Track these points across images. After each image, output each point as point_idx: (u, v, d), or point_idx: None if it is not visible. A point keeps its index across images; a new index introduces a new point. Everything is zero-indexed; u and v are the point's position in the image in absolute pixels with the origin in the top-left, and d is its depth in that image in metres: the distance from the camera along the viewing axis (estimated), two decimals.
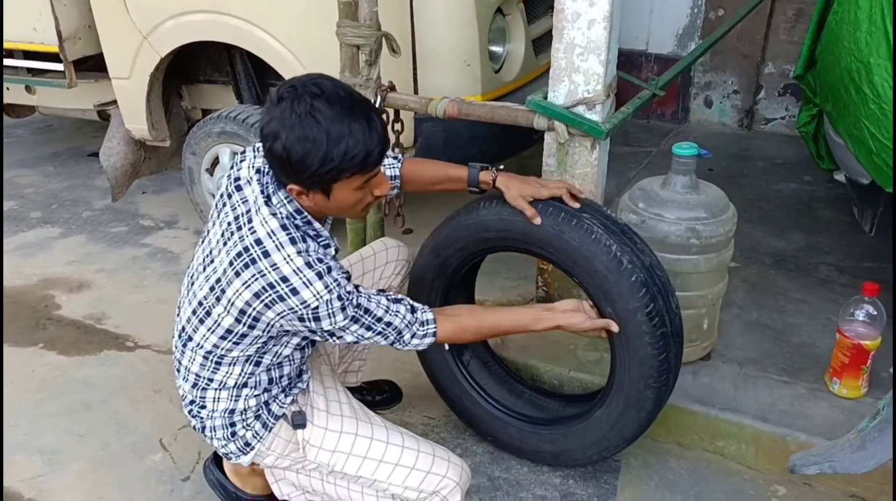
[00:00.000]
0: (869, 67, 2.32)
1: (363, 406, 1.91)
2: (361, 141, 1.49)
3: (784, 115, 4.37)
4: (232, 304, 1.58)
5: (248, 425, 1.79)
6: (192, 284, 1.71)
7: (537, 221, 1.85)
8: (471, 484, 2.08)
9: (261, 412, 1.79)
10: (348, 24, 2.46)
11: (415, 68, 2.70)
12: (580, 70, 2.22)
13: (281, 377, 1.79)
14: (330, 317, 1.56)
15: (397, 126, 2.57)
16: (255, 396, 1.76)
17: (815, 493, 2.07)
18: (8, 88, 3.90)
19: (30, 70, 3.62)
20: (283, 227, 1.56)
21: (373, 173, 1.58)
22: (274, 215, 1.57)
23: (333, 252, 1.67)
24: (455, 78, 2.71)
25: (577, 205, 1.86)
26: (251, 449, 1.81)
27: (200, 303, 1.66)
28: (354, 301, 1.61)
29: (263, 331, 1.63)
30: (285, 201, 1.60)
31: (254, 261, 1.54)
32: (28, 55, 3.49)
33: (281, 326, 1.61)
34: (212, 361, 1.71)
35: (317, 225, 1.64)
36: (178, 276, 3.27)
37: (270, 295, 1.53)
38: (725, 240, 2.21)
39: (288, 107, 1.47)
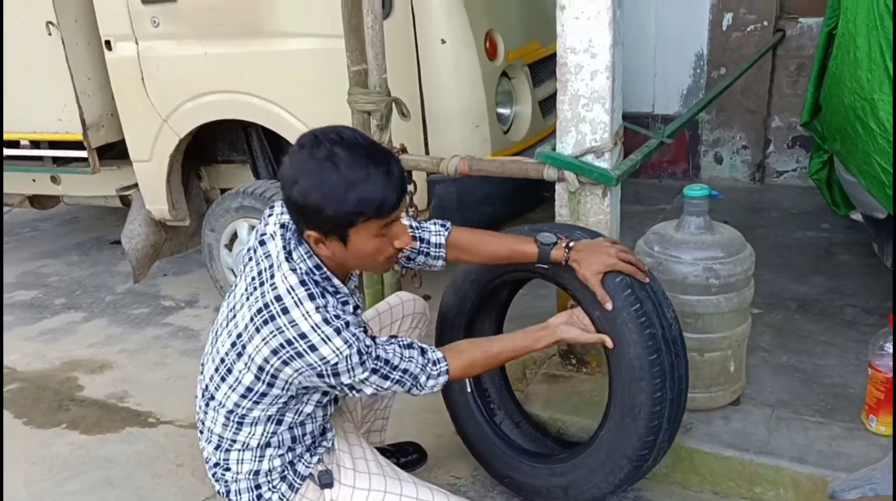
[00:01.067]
0: (874, 104, 2.35)
1: (390, 463, 1.88)
2: (379, 186, 1.51)
3: (795, 167, 4.39)
4: (252, 360, 1.59)
5: (273, 487, 1.75)
6: (217, 339, 1.72)
7: (608, 306, 1.81)
8: None
9: (286, 472, 1.76)
10: (359, 92, 2.54)
11: (425, 131, 2.76)
12: (586, 120, 2.26)
13: (304, 435, 1.77)
14: (350, 372, 1.57)
15: (410, 187, 2.61)
16: (280, 455, 1.74)
17: None
18: (34, 180, 4.01)
19: (54, 161, 3.74)
20: (303, 283, 1.57)
21: (389, 219, 1.58)
22: (294, 270, 1.58)
23: (352, 309, 1.68)
24: (465, 139, 2.77)
25: (647, 280, 1.89)
26: None
27: (223, 360, 1.67)
28: (374, 354, 1.61)
29: (283, 389, 1.63)
30: (305, 257, 1.61)
31: (273, 318, 1.54)
32: (52, 145, 3.61)
33: (299, 382, 1.61)
34: (234, 421, 1.69)
35: (336, 281, 1.65)
36: (198, 352, 3.26)
37: (289, 352, 1.54)
38: (745, 279, 2.19)
39: (307, 153, 1.51)
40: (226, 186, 3.71)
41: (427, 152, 2.79)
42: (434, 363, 1.72)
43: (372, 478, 1.78)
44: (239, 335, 1.61)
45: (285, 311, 1.54)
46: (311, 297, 1.55)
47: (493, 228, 3.23)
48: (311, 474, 1.78)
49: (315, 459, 1.79)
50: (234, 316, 1.64)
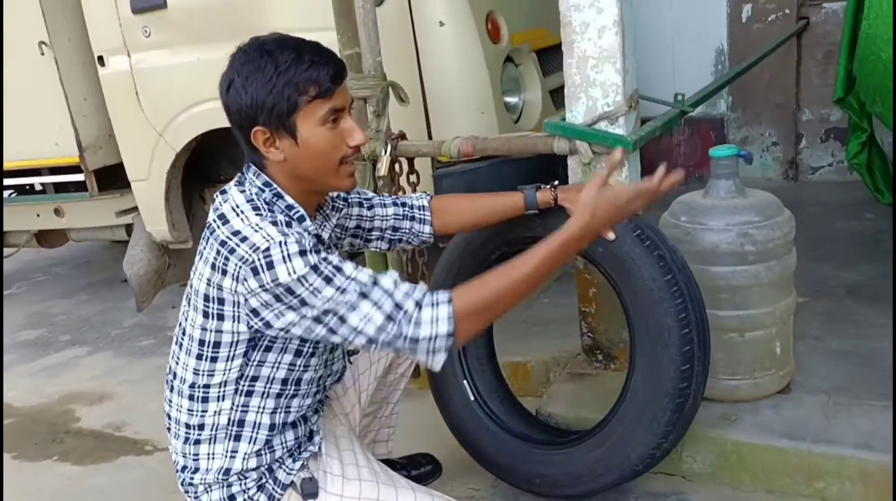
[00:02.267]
0: None
1: (386, 469, 1.64)
2: (312, 61, 1.39)
3: (831, 161, 4.13)
4: (197, 294, 1.42)
5: (249, 497, 1.52)
6: (179, 325, 1.55)
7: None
8: None
9: (264, 480, 1.53)
10: (353, 77, 2.36)
11: (428, 120, 2.58)
12: (596, 83, 2.07)
13: (284, 426, 1.54)
14: (285, 262, 1.31)
15: (412, 177, 2.43)
16: (256, 454, 1.52)
17: None
18: (38, 215, 3.91)
19: (56, 191, 3.63)
20: (249, 200, 1.43)
21: (334, 103, 1.42)
22: (242, 191, 1.45)
23: (310, 226, 1.47)
24: (471, 126, 2.57)
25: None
26: None
27: (180, 324, 1.50)
28: (322, 255, 1.36)
29: (233, 320, 1.40)
30: (254, 178, 1.47)
31: (212, 232, 1.41)
32: (53, 172, 3.51)
33: (245, 300, 1.36)
34: (198, 399, 1.49)
35: (288, 198, 1.46)
36: None
37: (223, 254, 1.36)
38: (785, 244, 1.95)
39: (239, 54, 1.43)
40: None
41: None
42: (428, 293, 1.39)
43: (363, 485, 1.54)
44: (190, 284, 1.47)
45: (226, 222, 1.40)
46: (256, 209, 1.41)
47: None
48: (293, 482, 1.54)
49: (298, 465, 1.56)
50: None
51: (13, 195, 3.72)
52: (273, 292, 1.33)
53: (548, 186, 1.76)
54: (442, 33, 2.55)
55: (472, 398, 2.07)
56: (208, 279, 1.40)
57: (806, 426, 1.90)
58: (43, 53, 3.22)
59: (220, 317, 1.41)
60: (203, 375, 1.47)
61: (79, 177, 3.37)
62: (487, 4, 2.65)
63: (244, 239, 1.35)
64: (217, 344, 1.44)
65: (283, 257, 1.32)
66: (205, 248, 1.42)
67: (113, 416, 2.93)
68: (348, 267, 1.37)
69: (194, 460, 1.53)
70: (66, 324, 4.09)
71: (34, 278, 5.10)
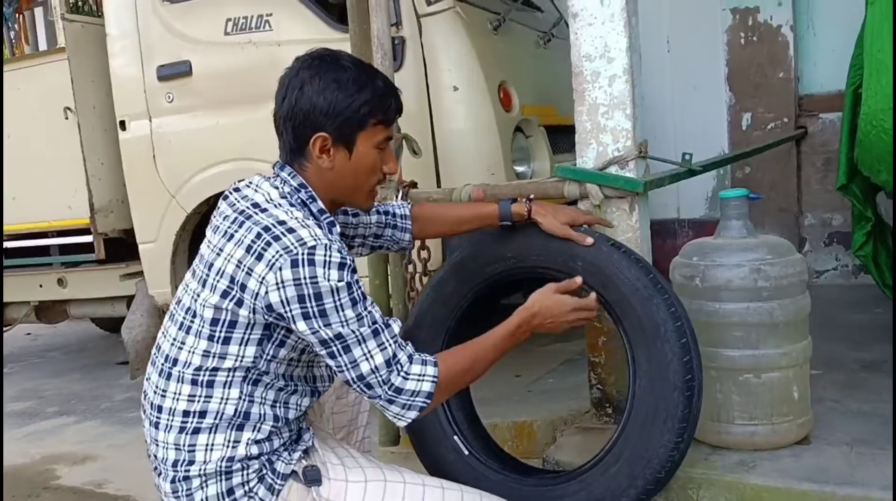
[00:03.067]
0: None
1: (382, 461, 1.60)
2: (386, 88, 1.49)
3: (835, 265, 4.14)
4: (221, 274, 1.39)
5: (250, 489, 1.45)
6: (173, 315, 1.51)
7: (588, 241, 1.78)
8: None
9: (264, 471, 1.47)
10: None
11: (438, 177, 2.63)
12: (607, 129, 2.12)
13: (284, 420, 1.49)
14: (326, 267, 1.34)
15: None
16: (258, 442, 1.45)
17: None
18: (41, 285, 3.89)
19: (63, 257, 3.64)
20: (283, 197, 1.46)
21: (390, 131, 1.52)
22: (276, 187, 1.47)
23: (339, 233, 1.51)
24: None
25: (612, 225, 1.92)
26: None
27: (188, 309, 1.45)
28: (356, 277, 1.40)
29: (250, 310, 1.38)
30: (290, 178, 1.49)
31: (249, 217, 1.40)
32: (61, 235, 3.53)
33: (266, 292, 1.35)
34: (202, 384, 1.43)
35: (320, 203, 1.49)
36: None
37: (265, 239, 1.36)
38: (799, 284, 1.93)
39: (316, 61, 1.47)
40: None
41: None
42: (419, 354, 1.47)
43: (366, 470, 1.50)
44: (206, 268, 1.43)
45: (263, 210, 1.41)
46: (293, 205, 1.44)
47: (518, 283, 3.04)
48: (294, 471, 1.48)
49: (297, 455, 1.51)
50: (201, 266, 1.46)
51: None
52: (300, 291, 1.34)
53: (523, 201, 1.84)
54: (456, 98, 2.65)
55: (467, 452, 1.98)
56: (239, 261, 1.38)
57: (829, 471, 1.81)
58: (67, 118, 3.33)
59: (240, 302, 1.39)
60: (214, 358, 1.42)
61: (87, 238, 3.39)
62: (500, 74, 2.76)
63: (291, 230, 1.37)
64: (233, 324, 1.41)
65: (326, 261, 1.35)
66: (236, 230, 1.40)
67: (94, 475, 2.81)
68: (369, 299, 1.43)
69: (189, 452, 1.44)
70: (56, 398, 4.00)
71: (28, 361, 5.02)
